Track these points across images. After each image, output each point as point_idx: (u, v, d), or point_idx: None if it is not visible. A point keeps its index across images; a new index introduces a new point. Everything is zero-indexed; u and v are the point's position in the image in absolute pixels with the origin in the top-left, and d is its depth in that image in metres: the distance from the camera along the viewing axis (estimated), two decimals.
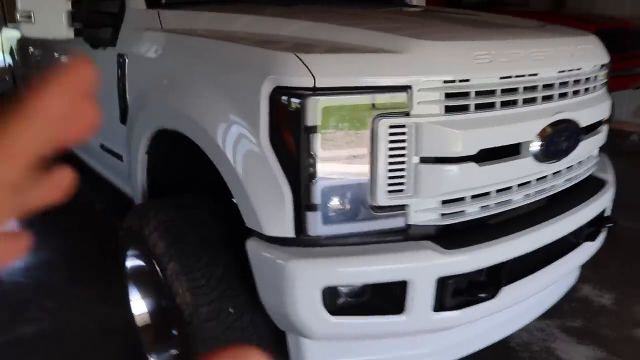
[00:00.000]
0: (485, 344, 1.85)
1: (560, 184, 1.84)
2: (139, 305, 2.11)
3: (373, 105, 1.37)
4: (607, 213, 2.13)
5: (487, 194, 1.58)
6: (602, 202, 1.98)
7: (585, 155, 1.92)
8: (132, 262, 2.03)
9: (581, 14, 6.12)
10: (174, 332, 1.98)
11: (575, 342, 2.43)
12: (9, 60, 5.25)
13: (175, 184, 2.13)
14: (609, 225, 2.07)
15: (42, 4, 2.18)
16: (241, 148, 1.48)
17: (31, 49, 3.86)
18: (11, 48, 4.97)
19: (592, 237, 1.99)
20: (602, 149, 2.32)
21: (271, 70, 1.38)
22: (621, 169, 5.53)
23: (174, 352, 1.99)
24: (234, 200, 1.58)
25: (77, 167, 3.33)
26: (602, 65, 2.01)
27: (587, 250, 1.99)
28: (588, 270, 3.01)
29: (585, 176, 2.01)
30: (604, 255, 3.23)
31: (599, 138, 1.97)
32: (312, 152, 1.36)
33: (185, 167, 2.11)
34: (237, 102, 1.49)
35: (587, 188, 2.01)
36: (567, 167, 1.84)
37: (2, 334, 2.52)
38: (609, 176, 2.16)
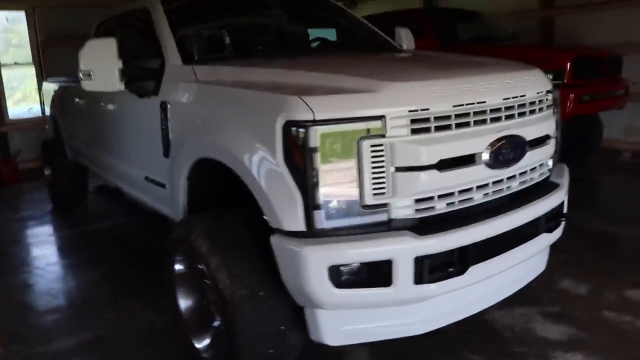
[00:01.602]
0: (465, 315, 2.28)
1: (515, 186, 2.31)
2: (184, 301, 2.60)
3: (357, 131, 1.89)
4: (564, 211, 2.60)
5: (451, 194, 2.08)
6: (553, 200, 2.44)
7: (536, 163, 2.39)
8: (179, 266, 2.54)
9: (562, 45, 6.66)
10: (214, 320, 2.49)
11: (551, 323, 2.86)
12: (48, 110, 5.89)
13: (209, 203, 2.64)
14: (563, 220, 2.53)
15: (99, 64, 2.77)
16: (263, 167, 2.01)
17: (77, 99, 4.48)
18: (53, 99, 5.60)
19: (550, 229, 2.46)
20: (563, 160, 2.80)
21: (283, 109, 1.92)
22: (614, 183, 6.02)
23: (209, 340, 2.49)
24: (258, 209, 2.09)
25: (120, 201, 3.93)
26: (547, 92, 2.50)
27: (545, 240, 2.45)
28: (569, 267, 3.48)
29: (540, 180, 2.48)
30: (585, 256, 3.71)
31: (547, 149, 2.45)
32: (314, 167, 1.88)
33: (217, 188, 2.64)
34: (259, 133, 2.03)
35: (543, 189, 2.48)
36: (520, 173, 2.32)
37: (68, 338, 3.02)
38: (564, 181, 2.62)
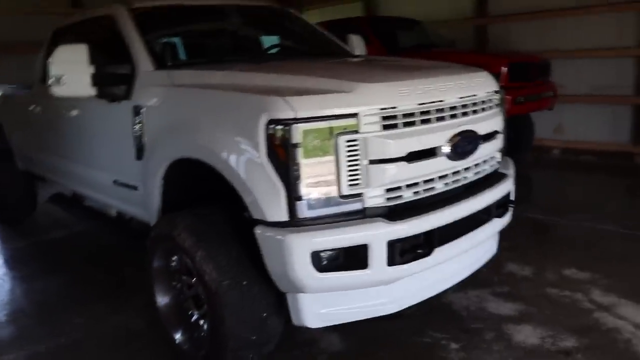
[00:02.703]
0: (432, 294, 2.52)
1: (470, 176, 2.57)
2: (162, 298, 2.70)
3: (335, 127, 2.08)
4: (512, 198, 2.88)
5: (416, 183, 2.30)
6: (503, 189, 2.71)
7: (487, 155, 2.66)
8: (158, 262, 2.64)
9: (497, 51, 7.16)
10: (192, 313, 2.60)
11: (502, 301, 3.15)
12: None
13: (182, 203, 2.74)
14: (512, 206, 2.82)
15: (70, 69, 2.83)
16: (247, 163, 2.16)
17: (31, 107, 4.42)
18: None
19: (500, 215, 2.73)
20: (508, 154, 3.09)
21: (266, 109, 2.08)
22: (546, 178, 6.51)
23: (188, 333, 2.60)
24: (236, 205, 2.23)
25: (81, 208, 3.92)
26: (495, 91, 2.78)
27: (497, 224, 2.72)
28: (514, 253, 3.81)
29: (491, 171, 2.76)
30: (526, 242, 4.05)
31: (497, 143, 2.73)
32: (297, 161, 2.05)
33: (191, 188, 2.75)
34: (242, 132, 2.18)
35: (493, 179, 2.75)
36: (475, 164, 2.58)
37: (39, 344, 3.02)
38: (510, 172, 2.91)
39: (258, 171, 2.13)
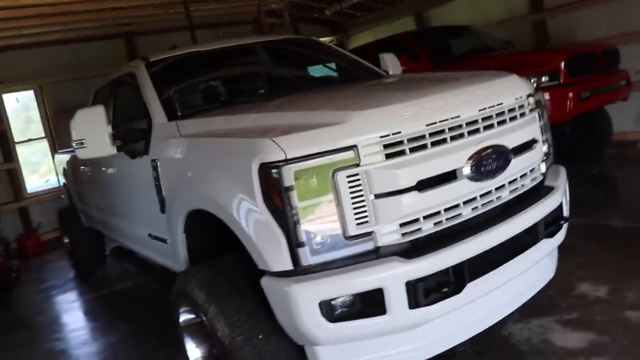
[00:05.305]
0: (473, 333, 2.24)
1: (506, 195, 2.28)
2: (193, 353, 2.60)
3: (331, 163, 1.90)
4: (565, 214, 2.54)
5: (437, 213, 2.05)
6: (550, 204, 2.39)
7: (525, 169, 2.36)
8: (183, 317, 2.55)
9: (555, 45, 6.64)
10: None
11: (570, 331, 2.76)
12: (63, 180, 6.06)
13: (209, 253, 2.66)
14: (563, 223, 2.47)
15: (90, 132, 2.85)
16: (245, 211, 2.03)
17: (82, 167, 4.60)
18: (64, 169, 5.77)
19: (551, 234, 2.40)
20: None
21: (256, 152, 1.95)
22: (631, 176, 5.85)
23: None
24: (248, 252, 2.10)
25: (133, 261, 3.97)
26: (528, 95, 2.47)
27: (546, 246, 2.39)
28: (587, 271, 3.38)
29: (533, 185, 2.44)
30: (604, 256, 3.59)
31: (535, 154, 2.41)
32: (293, 205, 1.89)
33: (213, 238, 2.65)
34: (238, 179, 2.05)
35: (537, 194, 2.43)
36: (510, 182, 2.29)
37: None
38: (560, 183, 2.57)
39: (256, 219, 1.99)
